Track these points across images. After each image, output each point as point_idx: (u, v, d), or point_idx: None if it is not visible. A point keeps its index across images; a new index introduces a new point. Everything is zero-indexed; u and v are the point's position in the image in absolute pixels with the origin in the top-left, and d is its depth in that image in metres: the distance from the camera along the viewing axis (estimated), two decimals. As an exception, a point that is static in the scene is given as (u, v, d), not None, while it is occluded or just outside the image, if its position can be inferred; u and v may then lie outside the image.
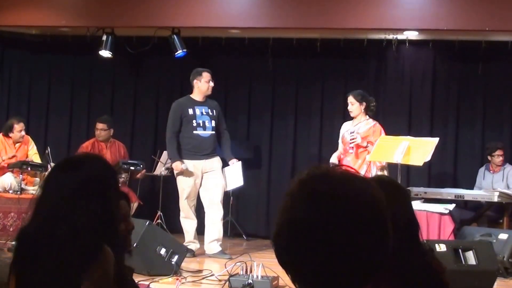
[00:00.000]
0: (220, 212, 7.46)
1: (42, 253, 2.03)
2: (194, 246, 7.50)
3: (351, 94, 7.56)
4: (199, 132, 7.46)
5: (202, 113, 7.48)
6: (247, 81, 9.43)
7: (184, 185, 7.48)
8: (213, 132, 7.51)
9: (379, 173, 7.32)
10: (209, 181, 7.45)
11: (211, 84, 7.54)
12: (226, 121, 7.93)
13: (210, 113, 7.51)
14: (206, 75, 7.54)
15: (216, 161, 7.52)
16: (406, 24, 7.96)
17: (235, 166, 7.58)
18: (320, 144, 9.25)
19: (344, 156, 7.54)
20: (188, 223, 7.52)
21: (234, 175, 7.58)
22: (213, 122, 7.50)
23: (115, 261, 2.09)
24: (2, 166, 8.17)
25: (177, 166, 7.43)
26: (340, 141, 7.66)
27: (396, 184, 2.62)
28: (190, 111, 7.46)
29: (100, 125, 8.64)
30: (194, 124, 7.44)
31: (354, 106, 7.48)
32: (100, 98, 9.85)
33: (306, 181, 1.30)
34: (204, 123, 7.47)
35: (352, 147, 7.39)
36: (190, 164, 7.44)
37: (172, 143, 7.54)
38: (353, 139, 7.39)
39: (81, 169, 2.12)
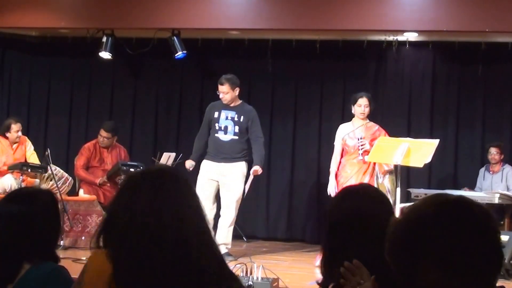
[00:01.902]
0: (229, 217, 7.46)
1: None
2: None
3: (366, 97, 7.50)
4: (219, 135, 7.54)
5: (226, 117, 7.55)
6: (247, 82, 9.41)
7: (198, 188, 7.47)
8: (236, 137, 7.52)
9: (387, 177, 7.33)
10: (225, 186, 7.48)
11: (220, 94, 7.55)
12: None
13: (236, 119, 7.54)
14: (218, 87, 7.58)
15: (237, 166, 7.49)
16: (406, 26, 7.96)
17: (249, 177, 7.61)
18: (319, 145, 9.25)
19: (343, 159, 7.51)
20: None
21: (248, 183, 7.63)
22: (237, 128, 7.53)
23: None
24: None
25: (186, 163, 7.62)
26: (338, 143, 7.57)
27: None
28: (216, 114, 7.57)
29: (104, 133, 8.61)
30: (217, 127, 7.56)
31: (368, 108, 7.47)
32: (99, 100, 9.85)
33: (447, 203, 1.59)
34: (226, 127, 7.54)
35: (361, 154, 7.36)
36: (209, 164, 7.53)
37: (195, 143, 7.76)
38: (362, 145, 7.36)
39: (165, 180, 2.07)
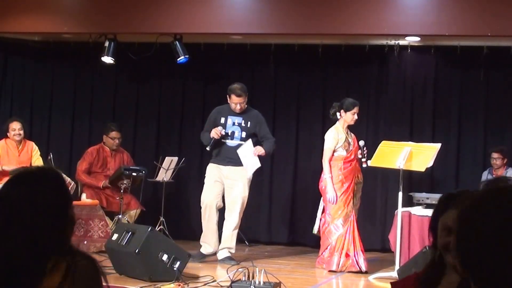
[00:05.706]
0: (233, 221, 7.49)
1: None
2: (204, 249, 7.60)
3: (359, 105, 7.62)
4: (227, 141, 7.58)
5: (233, 123, 7.59)
6: (249, 86, 9.37)
7: (206, 188, 7.54)
8: (242, 142, 7.54)
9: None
10: (230, 190, 7.52)
11: (237, 105, 7.53)
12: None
13: (243, 124, 7.58)
14: (232, 97, 7.55)
15: (243, 171, 7.50)
16: (407, 30, 7.96)
17: (246, 146, 7.47)
18: (322, 150, 9.22)
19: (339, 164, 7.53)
20: (203, 224, 7.63)
21: (248, 157, 7.48)
22: (244, 133, 7.56)
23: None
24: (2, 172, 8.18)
25: (216, 130, 7.46)
26: (332, 149, 7.56)
27: None
28: (222, 120, 7.61)
29: (117, 134, 8.72)
30: (223, 133, 7.55)
31: None
32: (102, 104, 9.86)
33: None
34: (233, 133, 7.57)
35: (365, 161, 7.43)
36: (215, 167, 7.58)
37: (203, 133, 7.69)
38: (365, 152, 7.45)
39: None
